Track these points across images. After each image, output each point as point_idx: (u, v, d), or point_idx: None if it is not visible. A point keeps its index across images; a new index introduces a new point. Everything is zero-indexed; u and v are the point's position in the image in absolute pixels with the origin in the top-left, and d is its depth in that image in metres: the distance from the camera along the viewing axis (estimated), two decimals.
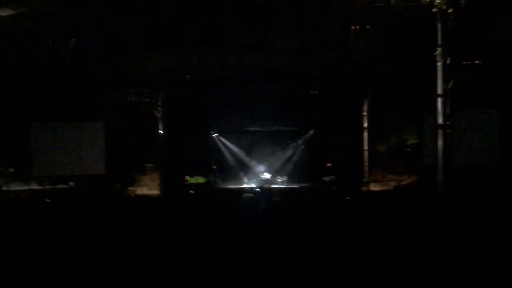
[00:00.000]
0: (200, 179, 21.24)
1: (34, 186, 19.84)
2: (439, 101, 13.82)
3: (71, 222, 8.18)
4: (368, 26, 14.99)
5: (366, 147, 21.06)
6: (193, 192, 17.86)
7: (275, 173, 22.25)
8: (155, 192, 20.47)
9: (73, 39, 15.20)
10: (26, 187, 19.58)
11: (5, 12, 14.77)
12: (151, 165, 21.52)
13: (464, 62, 14.76)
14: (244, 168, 22.90)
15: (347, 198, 12.03)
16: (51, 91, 18.57)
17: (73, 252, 6.14)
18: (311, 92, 20.83)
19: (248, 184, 21.38)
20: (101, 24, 14.81)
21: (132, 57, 16.68)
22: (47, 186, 19.53)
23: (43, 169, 20.52)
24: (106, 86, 19.18)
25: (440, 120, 13.81)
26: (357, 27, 14.93)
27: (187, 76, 18.89)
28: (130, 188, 20.57)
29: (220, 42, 15.00)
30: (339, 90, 20.18)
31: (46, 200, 14.06)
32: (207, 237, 6.76)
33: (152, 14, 14.76)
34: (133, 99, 20.38)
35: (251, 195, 12.89)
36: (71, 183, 20.01)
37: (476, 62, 15.29)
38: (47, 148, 20.69)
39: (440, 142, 13.77)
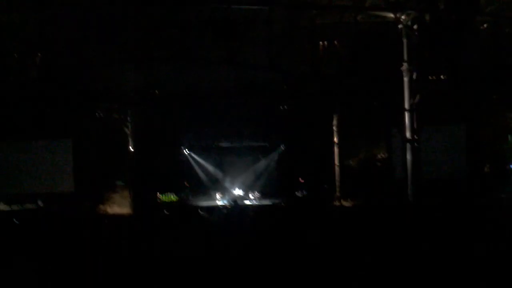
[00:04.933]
0: (173, 197, 21.01)
1: (2, 207, 19.32)
2: (407, 115, 13.98)
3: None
4: (336, 42, 15.15)
5: (337, 162, 21.17)
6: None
7: (247, 189, 22.16)
8: (126, 210, 20.08)
9: (40, 54, 15.03)
10: None
11: None
12: (121, 182, 21.17)
13: (430, 77, 15.00)
14: (216, 185, 22.74)
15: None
16: (17, 108, 18.21)
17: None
18: (281, 107, 20.90)
19: (221, 200, 21.22)
20: (69, 39, 14.65)
21: (101, 72, 16.52)
22: (15, 206, 19.04)
23: (10, 188, 20.07)
24: (75, 102, 18.90)
25: (408, 135, 13.95)
26: (326, 42, 15.09)
27: (157, 91, 18.76)
28: (100, 206, 20.15)
29: (191, 57, 14.96)
30: (308, 105, 20.29)
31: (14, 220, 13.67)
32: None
33: (122, 29, 14.68)
34: (102, 115, 20.15)
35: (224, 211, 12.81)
36: (40, 203, 19.58)
37: (442, 77, 15.57)
38: (14, 167, 20.25)
39: (408, 156, 13.89)
